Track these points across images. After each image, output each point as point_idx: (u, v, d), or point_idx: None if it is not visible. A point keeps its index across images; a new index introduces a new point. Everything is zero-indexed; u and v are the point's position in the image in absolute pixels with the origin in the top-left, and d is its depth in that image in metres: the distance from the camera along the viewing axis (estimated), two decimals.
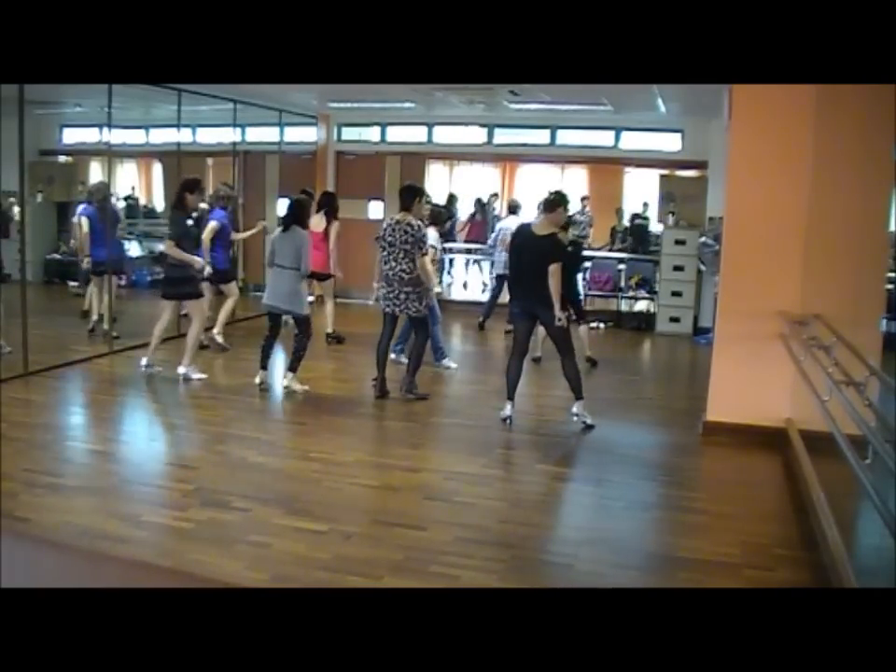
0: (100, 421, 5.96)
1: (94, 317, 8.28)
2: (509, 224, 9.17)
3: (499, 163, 11.52)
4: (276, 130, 10.46)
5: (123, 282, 11.07)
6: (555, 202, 5.76)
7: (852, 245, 5.04)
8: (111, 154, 8.42)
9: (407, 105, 9.89)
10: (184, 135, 9.13)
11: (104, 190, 8.27)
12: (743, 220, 5.26)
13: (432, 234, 7.08)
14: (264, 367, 6.38)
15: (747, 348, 5.28)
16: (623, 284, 10.29)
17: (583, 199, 10.88)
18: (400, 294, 6.15)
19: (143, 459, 4.96)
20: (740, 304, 5.28)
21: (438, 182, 11.66)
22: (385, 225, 6.28)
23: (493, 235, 9.43)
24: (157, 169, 12.76)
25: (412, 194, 6.27)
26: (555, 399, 6.73)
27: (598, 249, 10.73)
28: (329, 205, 8.09)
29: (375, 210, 11.33)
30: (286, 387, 6.29)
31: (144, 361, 6.65)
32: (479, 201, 11.46)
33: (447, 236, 9.51)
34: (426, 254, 6.19)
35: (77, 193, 11.50)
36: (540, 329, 6.55)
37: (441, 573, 3.41)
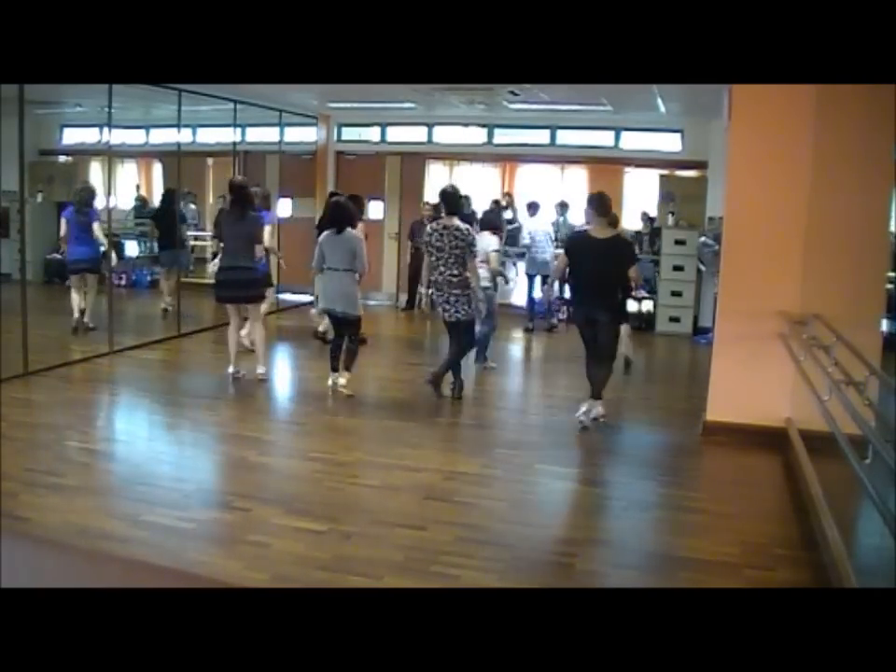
0: (100, 420, 5.96)
1: (76, 315, 8.31)
2: (538, 226, 9.52)
3: (499, 163, 11.51)
4: (276, 130, 10.46)
5: (124, 281, 11.11)
6: (609, 202, 5.70)
7: (852, 245, 5.04)
8: (111, 154, 8.43)
9: (407, 105, 9.89)
10: (184, 135, 9.13)
11: (84, 193, 8.31)
12: (743, 220, 5.25)
13: (494, 240, 7.18)
14: (335, 369, 6.37)
15: (747, 348, 5.28)
16: None
17: None
18: (450, 297, 6.18)
19: (143, 459, 4.96)
20: (740, 304, 5.28)
21: (438, 182, 11.65)
22: (429, 230, 6.27)
23: (527, 236, 9.58)
24: (157, 169, 12.76)
25: (457, 198, 6.33)
26: (557, 399, 6.74)
27: None
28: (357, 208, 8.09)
29: (375, 210, 11.33)
30: (337, 384, 6.26)
31: (260, 370, 6.67)
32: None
33: None
34: (475, 256, 6.26)
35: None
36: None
37: (441, 573, 3.42)
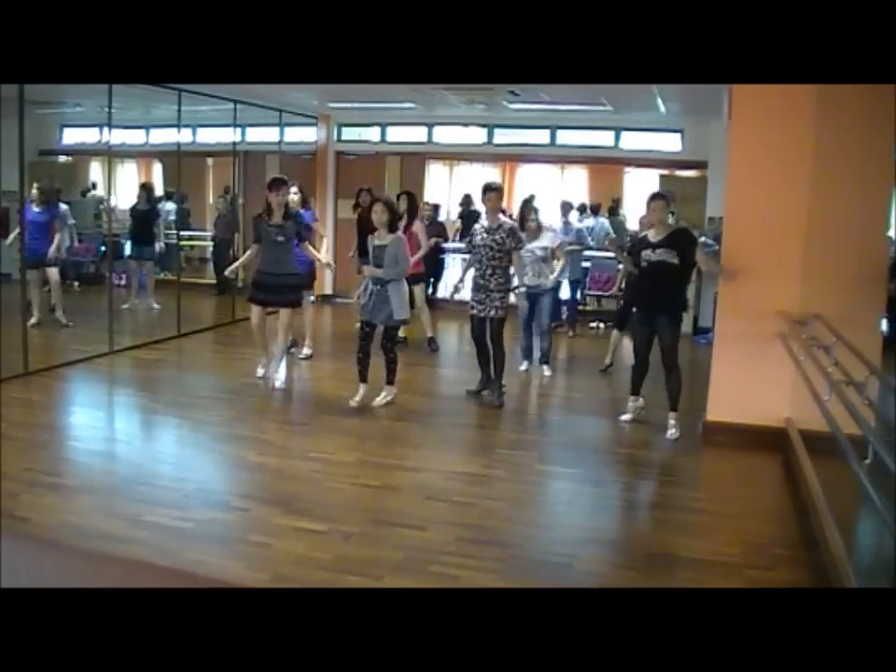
0: (99, 421, 5.96)
1: (36, 313, 8.21)
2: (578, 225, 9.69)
3: (499, 163, 11.51)
4: (276, 130, 10.46)
5: (123, 281, 11.11)
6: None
7: (852, 245, 5.04)
8: (111, 154, 8.42)
9: (407, 104, 9.89)
10: (184, 135, 9.13)
11: (39, 187, 8.47)
12: (743, 220, 5.25)
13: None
14: (390, 382, 6.14)
15: (747, 348, 5.28)
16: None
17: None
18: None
19: (143, 459, 4.96)
20: (740, 304, 5.28)
21: (438, 182, 11.65)
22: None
23: (572, 237, 9.44)
24: (157, 169, 12.75)
25: None
26: (557, 399, 6.74)
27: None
28: (412, 207, 8.00)
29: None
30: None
31: (279, 374, 6.69)
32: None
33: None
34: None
35: (76, 193, 11.52)
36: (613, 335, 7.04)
37: (441, 573, 3.41)
